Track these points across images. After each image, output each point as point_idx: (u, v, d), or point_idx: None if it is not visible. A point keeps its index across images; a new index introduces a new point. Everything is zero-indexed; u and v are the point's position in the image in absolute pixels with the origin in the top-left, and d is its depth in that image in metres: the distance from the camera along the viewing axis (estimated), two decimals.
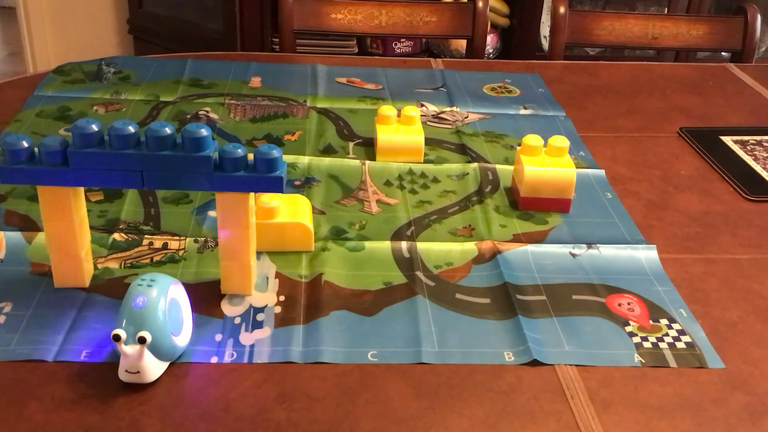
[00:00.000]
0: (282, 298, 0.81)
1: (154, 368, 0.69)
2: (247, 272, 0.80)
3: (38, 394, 0.67)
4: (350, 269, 0.86)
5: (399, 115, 1.10)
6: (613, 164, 1.12)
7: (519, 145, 1.02)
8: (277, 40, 1.77)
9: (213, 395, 0.68)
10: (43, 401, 0.67)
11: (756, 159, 1.15)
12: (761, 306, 0.85)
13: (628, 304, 0.83)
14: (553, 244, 0.92)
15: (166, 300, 0.69)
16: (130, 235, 0.89)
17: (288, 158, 1.07)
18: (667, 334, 0.79)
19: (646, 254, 0.91)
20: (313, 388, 0.70)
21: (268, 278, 0.84)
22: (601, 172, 1.09)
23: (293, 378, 0.71)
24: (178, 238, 0.89)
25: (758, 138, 1.22)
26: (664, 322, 0.81)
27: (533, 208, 0.99)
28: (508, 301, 0.82)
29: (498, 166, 1.08)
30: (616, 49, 2.25)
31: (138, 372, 0.68)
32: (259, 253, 0.86)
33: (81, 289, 0.80)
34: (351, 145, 1.13)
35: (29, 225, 0.90)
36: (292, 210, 0.88)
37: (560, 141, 0.99)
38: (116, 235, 0.89)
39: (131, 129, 0.73)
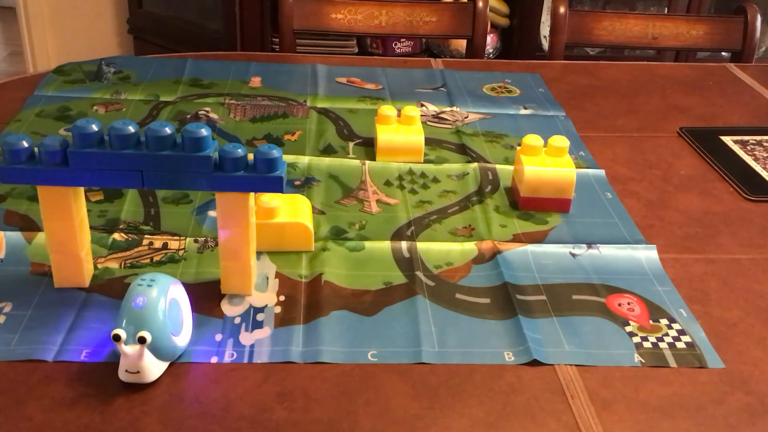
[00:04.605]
0: (282, 298, 0.81)
1: (154, 368, 0.69)
2: (247, 272, 0.80)
3: (38, 394, 0.67)
4: (350, 269, 0.86)
5: (399, 115, 1.10)
6: (613, 164, 1.12)
7: (519, 145, 1.02)
8: (277, 40, 1.77)
9: (213, 395, 0.68)
10: (43, 401, 0.67)
11: (756, 159, 1.15)
12: (761, 306, 0.85)
13: (628, 304, 0.83)
14: (553, 244, 0.92)
15: (166, 300, 0.69)
16: (130, 235, 0.89)
17: (288, 158, 1.07)
18: (667, 334, 0.79)
19: (646, 254, 0.91)
20: (313, 388, 0.70)
21: (268, 278, 0.84)
22: (601, 172, 1.09)
23: (293, 378, 0.71)
24: (178, 238, 0.89)
25: (758, 138, 1.22)
26: (664, 322, 0.81)
27: (533, 208, 0.99)
28: (508, 301, 0.82)
29: (498, 166, 1.08)
30: (616, 49, 2.26)
31: (138, 372, 0.68)
32: (259, 253, 0.86)
33: (81, 289, 0.80)
34: (351, 145, 1.13)
35: (29, 225, 0.90)
36: (292, 210, 0.88)
37: (560, 141, 0.99)
38: (116, 235, 0.89)
39: (131, 129, 0.73)
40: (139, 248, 0.87)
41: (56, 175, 0.73)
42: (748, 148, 1.18)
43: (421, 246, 0.90)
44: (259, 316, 0.78)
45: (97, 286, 0.81)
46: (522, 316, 0.80)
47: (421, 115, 1.21)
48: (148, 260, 0.85)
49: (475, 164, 1.08)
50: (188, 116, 1.18)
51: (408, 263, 0.87)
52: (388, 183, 1.03)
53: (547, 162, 0.98)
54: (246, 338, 0.75)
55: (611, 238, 0.94)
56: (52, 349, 0.72)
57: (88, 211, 0.81)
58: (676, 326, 0.80)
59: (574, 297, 0.84)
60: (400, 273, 0.86)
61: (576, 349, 0.76)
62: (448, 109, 1.26)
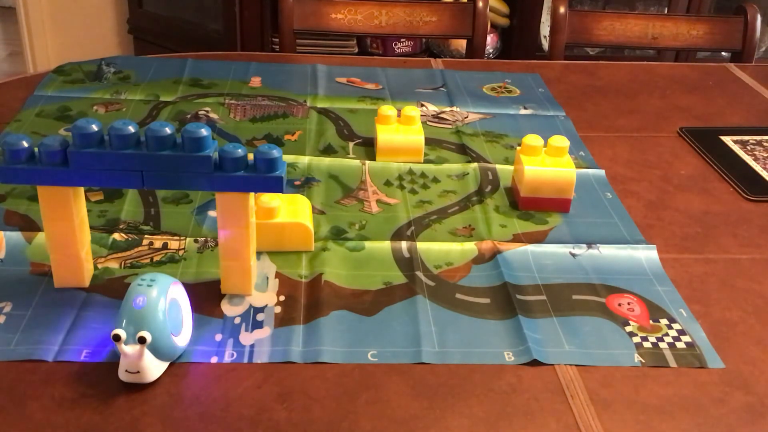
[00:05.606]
0: (282, 298, 0.81)
1: (154, 368, 0.69)
2: (247, 272, 0.80)
3: (38, 394, 0.67)
4: (350, 269, 0.86)
5: (399, 115, 1.10)
6: (613, 164, 1.12)
7: (519, 145, 1.02)
8: (277, 40, 1.77)
9: (213, 395, 0.68)
10: (43, 401, 0.67)
11: (756, 159, 1.15)
12: (761, 306, 0.85)
13: (628, 304, 0.83)
14: (553, 244, 0.92)
15: (166, 300, 0.69)
16: (130, 235, 0.89)
17: (288, 158, 1.07)
18: (667, 334, 0.79)
19: (646, 254, 0.91)
20: (313, 388, 0.70)
21: (268, 278, 0.84)
22: (601, 172, 1.09)
23: (293, 378, 0.71)
24: (178, 238, 0.89)
25: (758, 138, 1.22)
26: (664, 322, 0.81)
27: (533, 208, 0.99)
28: (508, 301, 0.82)
29: (498, 166, 1.08)
30: (616, 49, 2.26)
31: (138, 372, 0.68)
32: (259, 253, 0.86)
33: (81, 289, 0.80)
34: (351, 145, 1.13)
35: (29, 225, 0.90)
36: (292, 210, 0.88)
37: (560, 141, 0.99)
38: (116, 235, 0.89)
39: (131, 129, 0.73)
40: (139, 248, 0.87)
41: (56, 175, 0.73)
42: (748, 148, 1.18)
43: (421, 246, 0.90)
44: (259, 316, 0.78)
45: (97, 286, 0.81)
46: (522, 316, 0.80)
47: (421, 115, 1.21)
48: (148, 260, 0.85)
49: (475, 164, 1.08)
50: (188, 116, 1.18)
51: (408, 263, 0.87)
52: (388, 183, 1.03)
53: (547, 162, 0.98)
54: (246, 338, 0.75)
55: (611, 238, 0.94)
56: (52, 349, 0.72)
57: (88, 211, 0.81)
58: (676, 326, 0.80)
59: (574, 297, 0.84)
60: (400, 273, 0.86)
61: (576, 349, 0.76)
62: (448, 109, 1.26)
